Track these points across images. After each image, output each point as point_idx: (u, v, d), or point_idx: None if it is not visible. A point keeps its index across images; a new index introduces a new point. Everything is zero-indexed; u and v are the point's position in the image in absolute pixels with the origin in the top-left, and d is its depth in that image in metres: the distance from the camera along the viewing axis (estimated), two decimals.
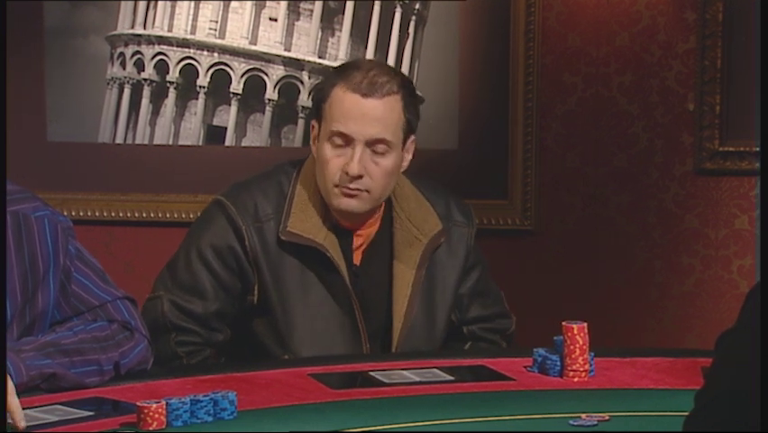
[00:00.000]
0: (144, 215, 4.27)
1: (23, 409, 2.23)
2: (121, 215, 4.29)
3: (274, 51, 4.17)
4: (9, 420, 2.15)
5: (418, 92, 4.09)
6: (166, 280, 2.82)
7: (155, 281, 2.85)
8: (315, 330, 2.78)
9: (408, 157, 2.82)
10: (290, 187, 2.81)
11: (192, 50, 4.22)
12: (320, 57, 4.14)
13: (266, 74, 4.17)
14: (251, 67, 4.18)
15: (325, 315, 2.79)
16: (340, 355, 2.77)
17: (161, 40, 4.24)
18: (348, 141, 2.72)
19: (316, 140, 2.79)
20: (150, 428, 2.17)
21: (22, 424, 2.14)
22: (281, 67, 4.16)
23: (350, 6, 4.13)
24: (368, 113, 2.71)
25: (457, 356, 2.73)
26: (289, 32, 4.17)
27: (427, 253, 2.85)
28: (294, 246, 2.77)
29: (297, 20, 4.16)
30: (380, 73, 2.75)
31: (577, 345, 2.50)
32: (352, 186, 2.72)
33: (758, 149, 3.90)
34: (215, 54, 4.21)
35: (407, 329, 2.82)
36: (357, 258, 2.83)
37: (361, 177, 2.71)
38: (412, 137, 2.81)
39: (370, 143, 2.72)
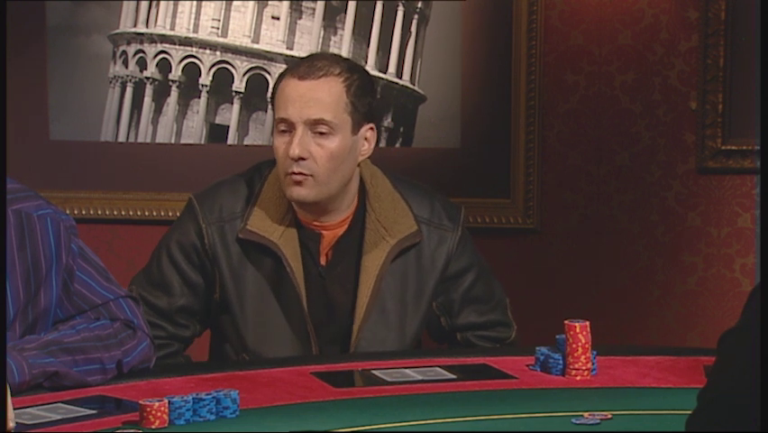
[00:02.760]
0: (147, 213, 4.27)
1: (26, 407, 2.24)
2: (123, 213, 4.30)
3: (276, 50, 4.17)
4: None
5: (420, 90, 4.10)
6: (139, 275, 2.88)
7: (133, 277, 2.91)
8: (268, 330, 2.80)
9: (368, 146, 2.81)
10: (260, 186, 2.82)
11: (194, 49, 4.23)
12: None
13: (268, 72, 4.17)
14: (254, 65, 4.18)
15: (275, 315, 2.79)
16: (340, 355, 2.77)
17: (164, 38, 4.24)
18: (290, 125, 2.73)
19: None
20: (153, 427, 2.17)
21: (11, 424, 2.14)
22: (284, 65, 4.16)
23: (352, 5, 4.13)
24: (304, 93, 2.72)
25: (459, 355, 2.73)
26: (292, 30, 4.17)
27: (392, 254, 2.81)
28: (254, 245, 2.78)
29: (300, 18, 4.16)
30: (323, 58, 2.78)
31: (579, 344, 2.50)
32: (296, 170, 2.71)
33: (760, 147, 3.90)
34: (218, 53, 4.21)
35: (364, 331, 2.81)
36: (325, 258, 2.82)
37: (303, 159, 2.71)
38: (368, 125, 2.79)
39: (310, 124, 2.72)
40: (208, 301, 2.84)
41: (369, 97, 2.79)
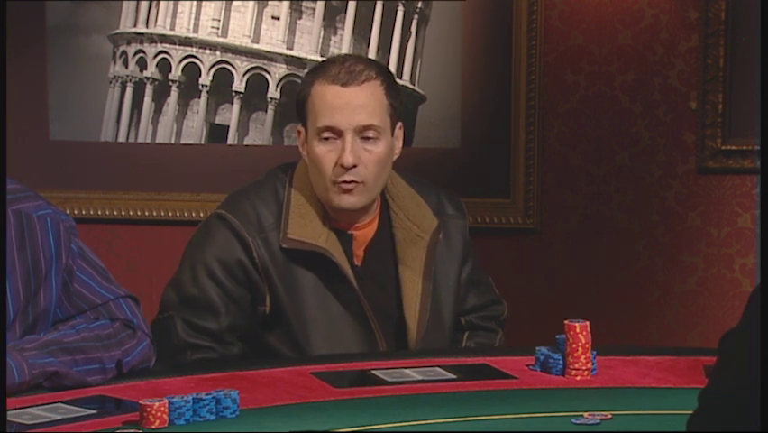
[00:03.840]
0: (146, 213, 4.27)
1: (26, 407, 2.24)
2: (123, 213, 4.30)
3: (276, 50, 4.17)
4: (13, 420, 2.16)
5: (420, 90, 4.10)
6: (173, 298, 2.77)
7: (162, 300, 2.80)
8: (332, 335, 2.77)
9: (399, 145, 2.82)
10: (285, 193, 2.79)
11: (194, 49, 4.23)
12: (322, 55, 4.14)
13: (268, 72, 4.17)
14: (254, 65, 4.18)
15: (339, 318, 2.77)
16: (341, 354, 2.77)
17: (164, 38, 4.24)
18: (337, 133, 2.71)
19: (305, 143, 2.78)
20: (153, 427, 2.17)
21: None
22: (283, 65, 4.16)
23: (352, 5, 4.13)
24: (351, 101, 2.71)
25: (459, 355, 2.73)
26: (292, 30, 4.17)
27: (431, 250, 2.84)
28: (298, 253, 2.74)
29: (300, 18, 4.16)
30: (356, 62, 2.76)
31: (579, 344, 2.50)
32: (348, 178, 2.70)
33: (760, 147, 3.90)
34: (218, 53, 4.21)
35: (423, 331, 2.82)
36: (358, 259, 2.83)
37: (355, 166, 2.71)
38: (399, 124, 2.81)
39: (359, 131, 2.71)
40: (253, 316, 2.78)
41: (399, 97, 2.81)
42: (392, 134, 2.78)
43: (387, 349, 2.80)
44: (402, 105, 2.83)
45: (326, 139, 2.72)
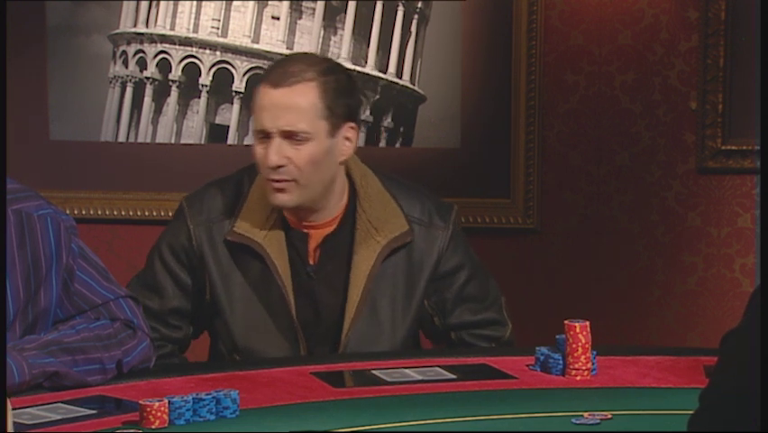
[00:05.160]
0: (146, 213, 4.27)
1: (26, 407, 2.24)
2: (123, 213, 4.30)
3: (276, 50, 4.17)
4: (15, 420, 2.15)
5: (420, 90, 4.09)
6: (134, 279, 2.90)
7: (129, 281, 2.91)
8: (256, 330, 2.80)
9: (349, 144, 2.78)
10: (248, 187, 2.82)
11: (194, 49, 4.23)
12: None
13: None
14: (254, 65, 4.18)
15: (264, 315, 2.80)
16: (341, 354, 2.77)
17: (164, 38, 4.24)
18: (267, 134, 2.72)
19: None
20: (153, 427, 2.17)
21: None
22: None
23: (352, 5, 4.13)
24: (277, 103, 2.70)
25: (459, 355, 2.73)
26: (292, 30, 4.17)
27: (383, 254, 2.80)
28: (242, 247, 2.79)
29: (300, 18, 4.16)
30: (297, 62, 2.74)
31: (579, 344, 2.50)
32: (276, 177, 2.71)
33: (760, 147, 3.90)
34: (218, 53, 4.21)
35: (353, 331, 2.80)
36: (313, 258, 2.82)
37: (281, 166, 2.70)
38: (347, 125, 2.76)
39: (284, 134, 2.70)
40: (200, 303, 2.85)
41: (346, 98, 2.75)
42: (333, 136, 2.73)
43: (310, 353, 2.80)
44: (351, 106, 2.77)
45: (261, 138, 2.74)
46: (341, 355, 2.74)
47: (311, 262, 2.81)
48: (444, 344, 2.96)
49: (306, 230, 2.81)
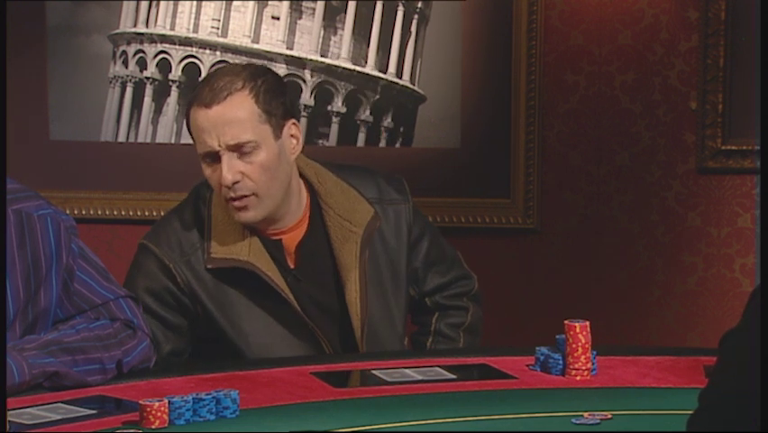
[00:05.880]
0: (146, 213, 4.27)
1: (26, 407, 2.24)
2: (123, 213, 4.30)
3: (276, 50, 4.17)
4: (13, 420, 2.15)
5: (420, 90, 4.09)
6: None
7: None
8: (274, 344, 2.75)
9: (295, 142, 2.75)
10: (207, 210, 2.77)
11: (194, 49, 4.23)
12: (322, 55, 4.14)
13: None
14: None
15: (278, 326, 2.75)
16: (342, 354, 2.77)
17: (164, 38, 4.24)
18: (214, 155, 2.67)
19: None
20: (153, 427, 2.17)
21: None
22: (283, 65, 4.16)
23: (352, 5, 4.13)
24: (216, 121, 2.64)
25: (459, 355, 2.73)
26: (292, 30, 4.17)
27: (365, 243, 2.80)
28: (224, 270, 2.72)
29: (300, 18, 4.16)
30: (222, 76, 2.68)
31: (579, 344, 2.50)
32: (234, 195, 2.67)
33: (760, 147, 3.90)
34: (218, 53, 4.21)
35: (368, 325, 2.79)
36: (293, 262, 2.79)
37: (237, 182, 2.66)
38: (289, 122, 2.73)
39: (232, 149, 2.65)
40: (193, 336, 2.79)
41: (280, 97, 2.72)
42: (278, 137, 2.70)
43: (333, 351, 2.77)
44: (286, 104, 2.73)
45: (208, 162, 2.68)
46: (341, 356, 2.73)
47: (292, 267, 2.79)
48: (416, 312, 2.97)
49: (276, 237, 2.78)
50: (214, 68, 4.20)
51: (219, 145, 2.65)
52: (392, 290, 2.86)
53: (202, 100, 2.67)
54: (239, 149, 2.65)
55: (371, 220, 2.82)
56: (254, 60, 4.17)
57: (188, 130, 2.73)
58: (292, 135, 2.75)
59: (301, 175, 2.82)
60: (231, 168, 2.65)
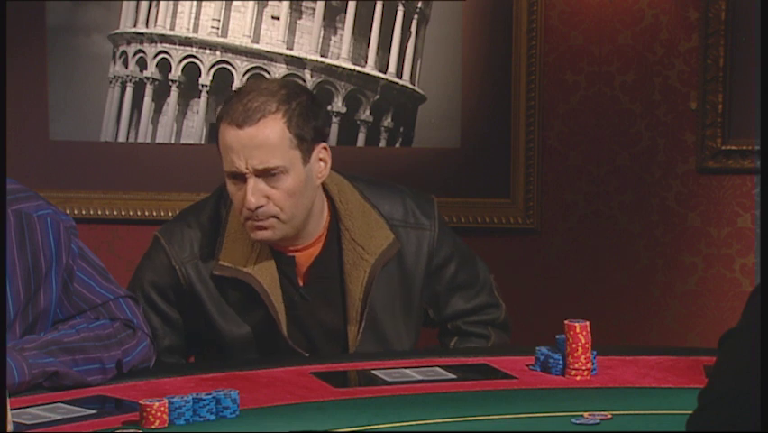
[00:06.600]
0: (146, 213, 4.27)
1: (26, 407, 2.24)
2: (123, 213, 4.30)
3: (276, 50, 4.17)
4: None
5: (420, 90, 4.09)
6: None
7: None
8: (261, 357, 2.74)
9: (323, 165, 2.71)
10: (226, 215, 2.75)
11: (194, 49, 4.23)
12: (322, 55, 4.14)
13: (268, 72, 4.17)
14: (254, 65, 4.18)
15: (261, 341, 2.74)
16: (342, 354, 2.76)
17: (164, 38, 4.24)
18: (240, 176, 2.64)
19: None
20: (153, 427, 2.17)
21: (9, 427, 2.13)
22: (283, 65, 4.16)
23: (352, 5, 4.13)
24: (247, 144, 2.61)
25: (459, 355, 2.73)
26: (292, 30, 4.17)
27: (374, 273, 2.76)
28: (231, 279, 2.71)
29: (300, 18, 4.16)
30: (256, 96, 2.64)
31: (579, 344, 2.50)
32: (256, 217, 2.64)
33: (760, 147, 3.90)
34: (218, 53, 4.21)
35: (359, 351, 2.76)
36: (302, 279, 2.77)
37: (261, 206, 2.64)
38: (319, 147, 2.69)
39: (259, 173, 2.63)
40: (189, 335, 2.78)
41: (313, 121, 2.68)
42: (307, 162, 2.66)
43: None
44: (318, 127, 2.69)
45: (234, 180, 2.66)
46: (341, 355, 2.73)
47: (301, 284, 2.77)
48: (440, 332, 2.94)
49: (291, 253, 2.76)
50: (214, 68, 4.20)
51: (246, 168, 2.62)
52: (403, 317, 2.83)
53: (234, 119, 2.63)
54: (266, 173, 2.63)
55: (386, 249, 2.77)
56: (255, 61, 4.17)
57: (216, 142, 2.69)
58: (321, 159, 2.71)
59: (324, 190, 2.78)
60: (256, 192, 2.63)
